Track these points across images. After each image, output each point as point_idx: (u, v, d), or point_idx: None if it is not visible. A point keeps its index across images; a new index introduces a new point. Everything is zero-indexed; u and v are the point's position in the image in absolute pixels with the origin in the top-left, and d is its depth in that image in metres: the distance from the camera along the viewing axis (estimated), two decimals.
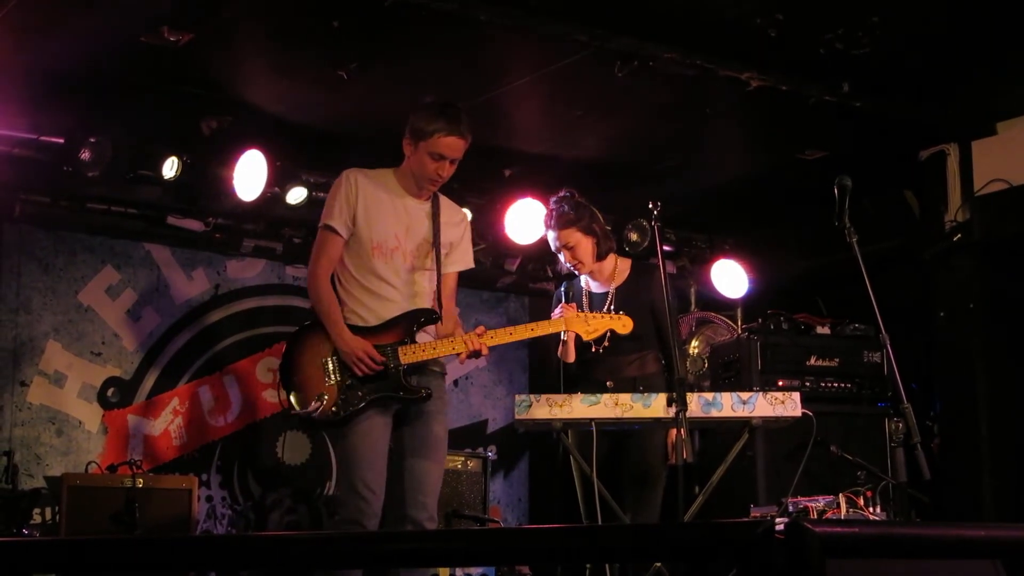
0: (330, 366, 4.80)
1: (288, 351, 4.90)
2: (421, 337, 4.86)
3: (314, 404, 4.73)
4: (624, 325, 5.12)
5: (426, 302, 4.92)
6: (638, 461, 5.39)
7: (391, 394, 4.78)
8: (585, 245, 5.48)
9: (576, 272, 5.53)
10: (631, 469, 5.40)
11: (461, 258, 5.06)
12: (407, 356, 4.79)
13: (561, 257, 5.54)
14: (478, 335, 4.82)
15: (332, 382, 4.78)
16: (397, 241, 4.87)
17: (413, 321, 4.85)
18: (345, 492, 4.77)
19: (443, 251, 4.95)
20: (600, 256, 5.53)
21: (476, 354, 4.82)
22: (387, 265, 4.85)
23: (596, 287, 5.59)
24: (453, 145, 4.82)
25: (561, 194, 5.56)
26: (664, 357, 5.54)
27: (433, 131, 4.79)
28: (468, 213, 5.16)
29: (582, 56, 5.73)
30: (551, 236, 5.53)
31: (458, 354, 4.84)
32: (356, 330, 4.80)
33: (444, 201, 5.04)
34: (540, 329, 5.07)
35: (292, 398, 4.81)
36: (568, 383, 5.48)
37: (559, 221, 5.47)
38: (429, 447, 4.84)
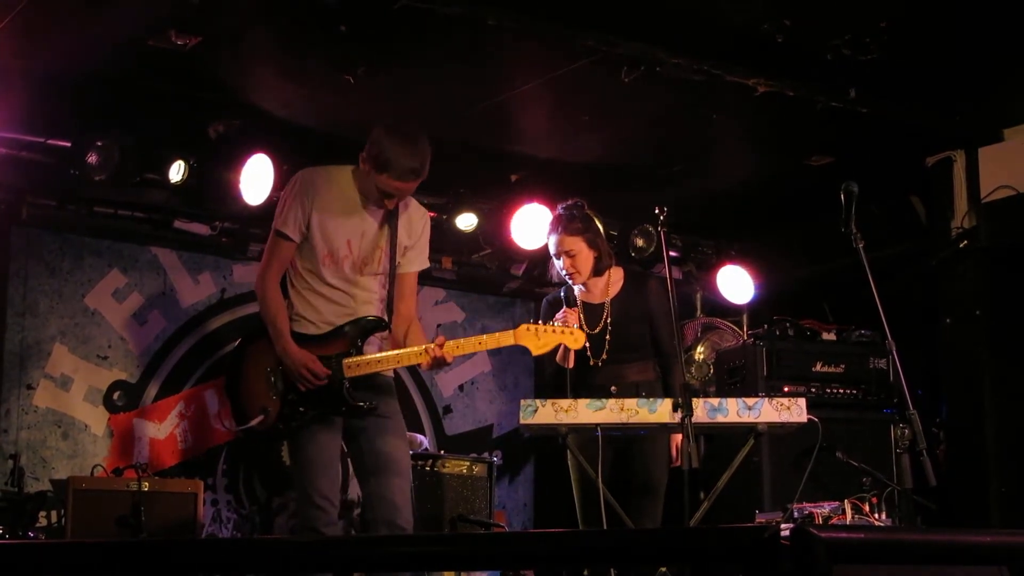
0: (274, 378, 4.67)
1: (235, 360, 4.78)
2: (369, 345, 4.73)
3: (257, 418, 4.63)
4: (576, 340, 4.82)
5: (376, 307, 4.79)
6: (641, 471, 5.38)
7: (333, 410, 4.66)
8: (586, 256, 5.45)
9: (570, 281, 5.50)
10: (634, 479, 5.38)
11: (418, 258, 4.90)
12: (351, 370, 4.63)
13: (558, 263, 5.50)
14: (439, 346, 4.61)
15: (275, 394, 4.66)
16: (349, 249, 4.71)
17: (360, 330, 4.71)
18: (301, 501, 4.67)
19: (398, 254, 4.79)
20: (598, 272, 5.51)
21: (440, 362, 4.64)
22: (335, 272, 4.70)
23: (591, 299, 5.56)
24: (404, 188, 4.63)
25: (571, 201, 5.54)
26: (661, 366, 5.53)
27: (387, 167, 4.56)
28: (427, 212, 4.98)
29: (589, 61, 5.73)
30: (553, 239, 5.48)
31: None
32: (302, 339, 4.66)
33: (404, 202, 4.82)
34: (489, 342, 4.76)
35: (236, 411, 4.68)
36: (571, 389, 5.44)
37: (567, 227, 5.43)
38: (386, 460, 4.69)
